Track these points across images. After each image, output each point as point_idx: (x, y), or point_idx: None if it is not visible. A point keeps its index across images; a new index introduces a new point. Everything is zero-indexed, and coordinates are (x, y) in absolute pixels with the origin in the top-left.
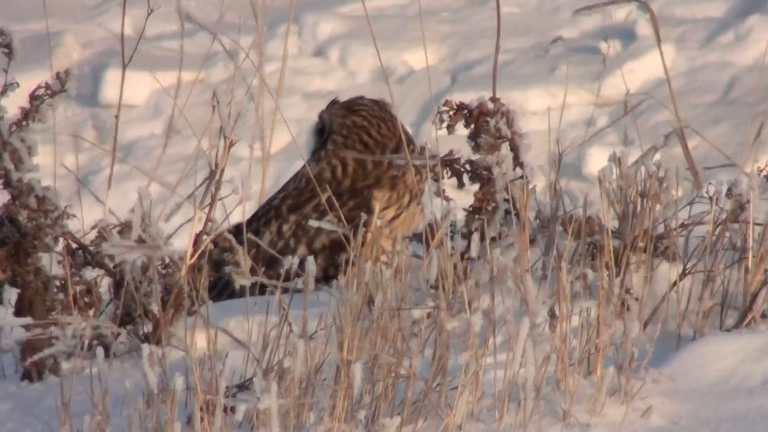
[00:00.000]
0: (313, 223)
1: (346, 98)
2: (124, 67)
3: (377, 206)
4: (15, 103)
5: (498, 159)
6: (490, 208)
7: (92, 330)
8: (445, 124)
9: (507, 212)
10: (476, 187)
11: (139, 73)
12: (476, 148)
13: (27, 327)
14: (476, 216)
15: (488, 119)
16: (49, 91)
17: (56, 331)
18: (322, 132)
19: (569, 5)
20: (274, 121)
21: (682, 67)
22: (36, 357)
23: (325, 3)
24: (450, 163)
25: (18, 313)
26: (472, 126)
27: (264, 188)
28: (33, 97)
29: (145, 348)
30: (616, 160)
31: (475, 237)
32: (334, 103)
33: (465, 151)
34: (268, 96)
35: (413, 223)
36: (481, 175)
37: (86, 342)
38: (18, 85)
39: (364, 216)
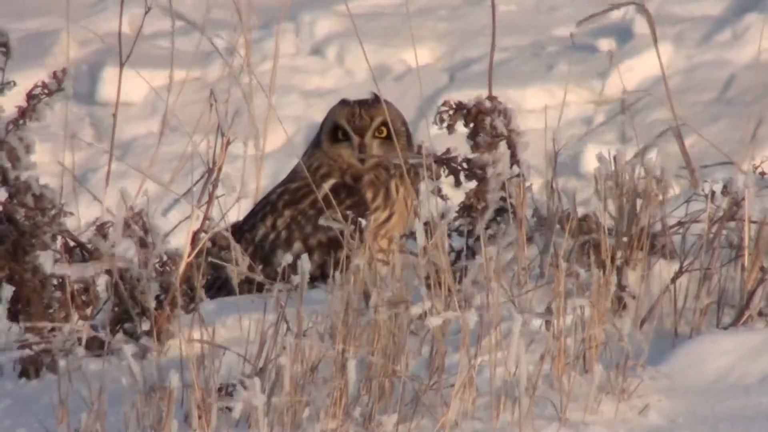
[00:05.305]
0: (323, 221)
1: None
2: (121, 65)
3: (371, 205)
4: (12, 101)
5: (493, 158)
6: (480, 206)
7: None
8: (445, 124)
9: (504, 210)
10: (474, 185)
11: (137, 71)
12: (475, 146)
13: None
14: (466, 214)
15: (486, 118)
16: (46, 90)
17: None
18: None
19: (566, 3)
20: (268, 118)
21: (680, 65)
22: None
23: (322, 1)
24: (447, 161)
25: (14, 310)
26: (471, 125)
27: (260, 186)
28: (30, 95)
29: (142, 346)
30: (611, 158)
31: (474, 235)
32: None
33: (463, 149)
34: (266, 95)
35: (406, 223)
36: (477, 173)
37: (83, 340)
38: (15, 83)
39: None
